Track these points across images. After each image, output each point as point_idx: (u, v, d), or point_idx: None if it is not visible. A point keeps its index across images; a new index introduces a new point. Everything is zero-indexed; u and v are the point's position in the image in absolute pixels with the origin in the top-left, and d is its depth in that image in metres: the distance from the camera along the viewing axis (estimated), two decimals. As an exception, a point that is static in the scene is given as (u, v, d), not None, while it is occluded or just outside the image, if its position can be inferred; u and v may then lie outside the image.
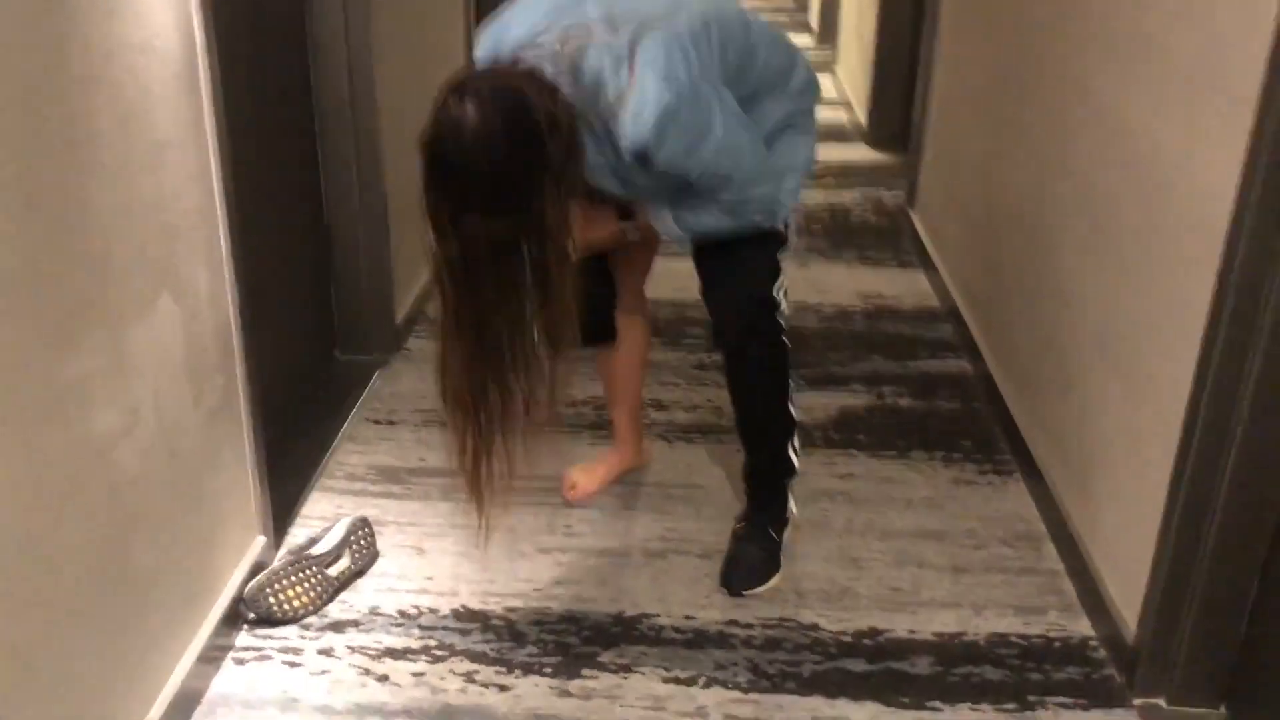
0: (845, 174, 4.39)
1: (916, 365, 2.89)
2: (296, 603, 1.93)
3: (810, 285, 3.35)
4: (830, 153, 4.65)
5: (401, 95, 2.81)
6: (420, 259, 3.06)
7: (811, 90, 1.99)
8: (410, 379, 2.76)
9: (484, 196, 1.52)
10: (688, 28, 1.70)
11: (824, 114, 5.18)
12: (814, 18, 6.94)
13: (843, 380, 2.80)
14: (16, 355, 1.27)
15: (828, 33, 6.36)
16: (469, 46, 3.65)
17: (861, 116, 4.88)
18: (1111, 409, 1.97)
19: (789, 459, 2.11)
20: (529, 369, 1.64)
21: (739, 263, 1.95)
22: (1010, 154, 2.66)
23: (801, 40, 6.93)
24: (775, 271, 1.96)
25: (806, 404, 2.65)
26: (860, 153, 4.67)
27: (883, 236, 3.76)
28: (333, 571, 2.00)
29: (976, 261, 2.95)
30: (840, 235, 3.76)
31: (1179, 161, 1.72)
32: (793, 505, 2.16)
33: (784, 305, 1.98)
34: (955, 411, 2.66)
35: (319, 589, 1.97)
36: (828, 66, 6.14)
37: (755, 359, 2.01)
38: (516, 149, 1.52)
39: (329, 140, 2.63)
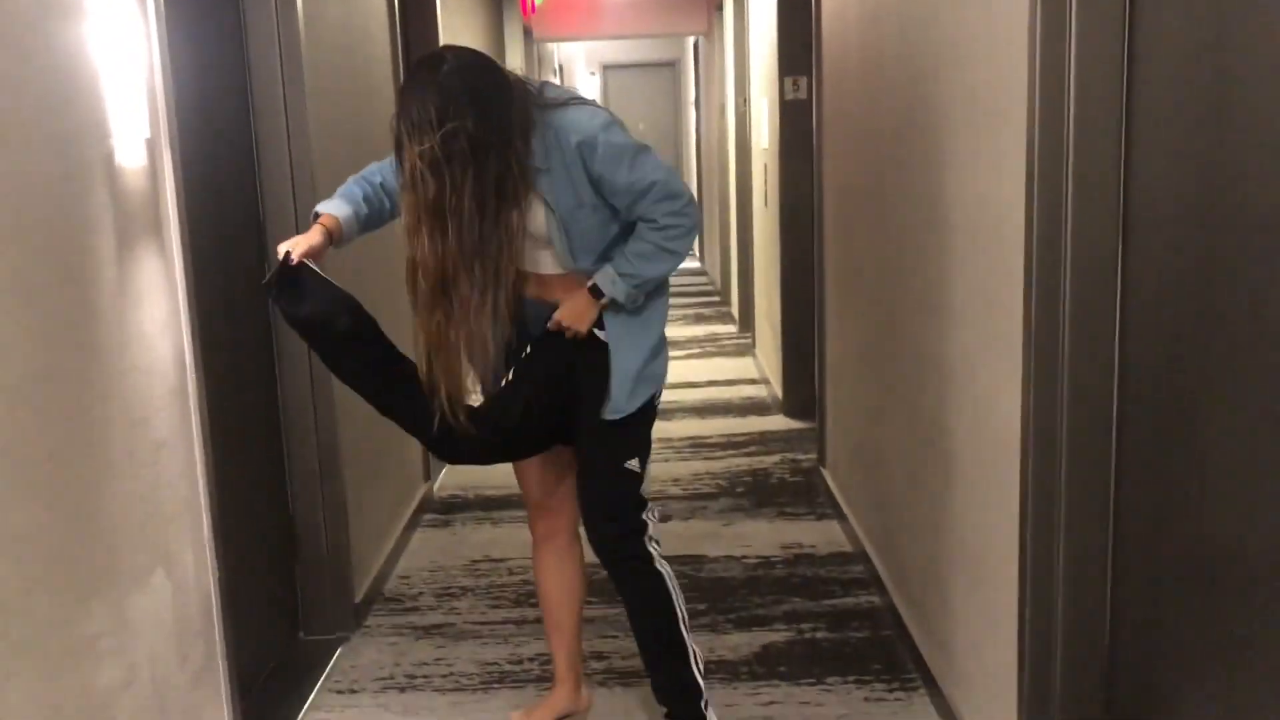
0: (765, 441, 4.83)
1: (831, 603, 3.19)
2: None
3: (735, 540, 3.68)
4: (753, 424, 5.11)
5: (355, 401, 3.21)
6: (377, 545, 3.39)
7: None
8: (370, 652, 3.01)
9: (470, 98, 2.01)
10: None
11: (746, 391, 5.70)
12: (734, 309, 7.64)
13: (765, 620, 3.09)
14: (38, 612, 1.57)
15: (746, 321, 7.02)
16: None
17: (778, 390, 5.38)
18: (971, 615, 2.29)
19: (691, 673, 2.35)
20: (490, 258, 2.07)
21: (609, 498, 2.30)
22: (888, 409, 3.09)
23: (725, 329, 7.60)
24: (641, 505, 2.32)
25: (733, 643, 2.94)
26: (778, 422, 5.13)
27: (799, 493, 4.15)
28: None
29: (874, 506, 3.32)
30: (762, 494, 4.14)
31: (984, 398, 2.15)
32: None
33: (651, 524, 2.32)
34: (866, 640, 2.95)
35: None
36: (748, 350, 6.75)
37: (626, 583, 2.35)
38: (492, 73, 2.09)
39: (294, 442, 3.01)
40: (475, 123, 2.01)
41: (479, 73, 2.08)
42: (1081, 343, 1.83)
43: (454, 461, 2.56)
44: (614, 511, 2.31)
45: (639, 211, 2.17)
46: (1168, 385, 1.68)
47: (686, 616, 2.36)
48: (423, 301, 2.11)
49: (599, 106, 2.24)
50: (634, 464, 2.31)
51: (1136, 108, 1.73)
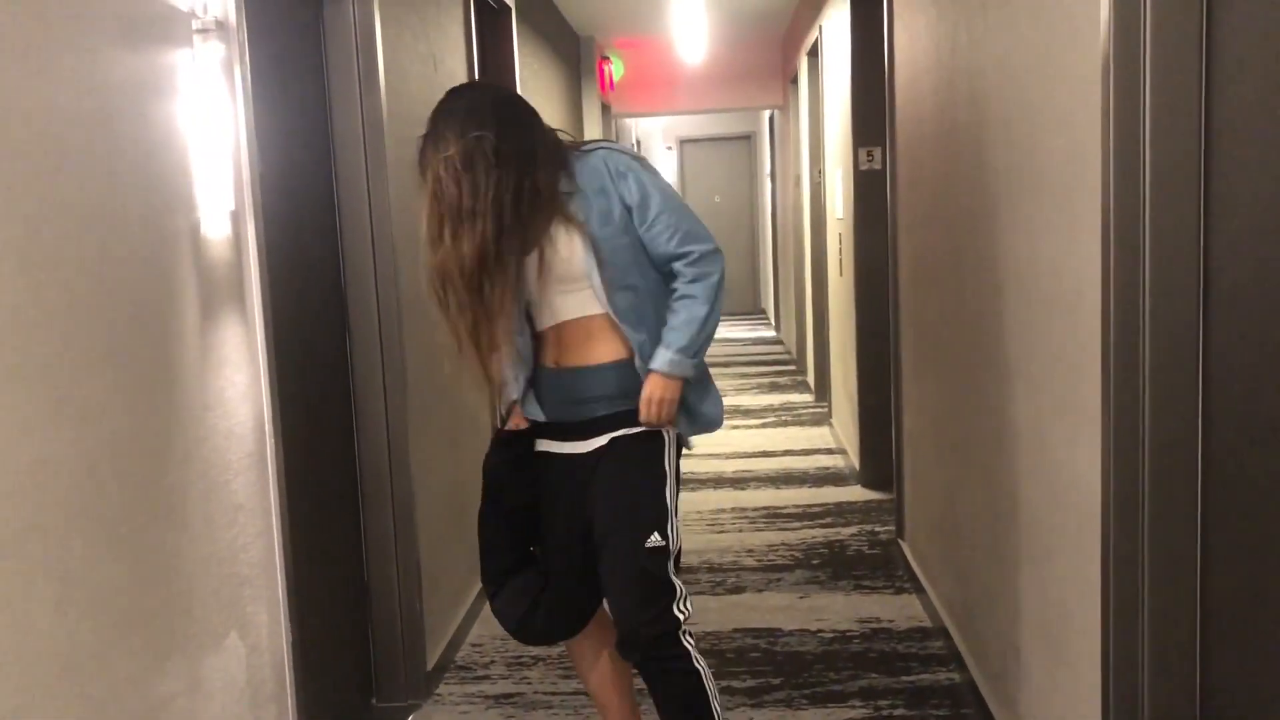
0: (842, 513, 4.76)
1: (909, 679, 3.11)
2: None
3: (811, 613, 3.62)
4: (829, 495, 5.04)
5: (431, 470, 3.26)
6: (450, 612, 3.40)
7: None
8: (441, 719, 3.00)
9: (494, 115, 2.12)
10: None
11: (823, 461, 5.63)
12: (810, 378, 7.58)
13: (842, 696, 3.02)
14: (116, 672, 1.60)
15: (822, 391, 6.96)
16: (494, 424, 4.17)
17: (855, 460, 5.31)
18: (1054, 695, 2.21)
19: None
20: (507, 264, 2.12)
21: (641, 589, 2.18)
22: (965, 479, 3.03)
23: (801, 398, 7.55)
24: (673, 592, 2.19)
25: None
26: (855, 493, 5.05)
27: (877, 566, 4.06)
28: None
29: (953, 579, 3.24)
30: (839, 567, 4.07)
31: (1063, 469, 2.10)
32: None
33: (685, 616, 2.18)
34: (945, 718, 2.86)
35: None
36: (824, 420, 6.69)
37: (659, 680, 2.20)
38: (517, 105, 2.22)
39: (370, 508, 3.05)
40: (498, 136, 2.11)
41: (505, 100, 2.22)
42: (1162, 410, 1.78)
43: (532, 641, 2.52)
44: (646, 605, 2.17)
45: (669, 249, 2.20)
46: (1253, 456, 1.62)
47: (721, 714, 2.23)
48: (455, 306, 2.14)
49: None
50: (656, 539, 2.19)
51: (1214, 171, 1.70)
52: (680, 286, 2.21)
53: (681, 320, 2.18)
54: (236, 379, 2.02)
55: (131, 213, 1.69)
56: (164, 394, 1.76)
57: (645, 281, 2.22)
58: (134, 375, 1.68)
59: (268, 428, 2.15)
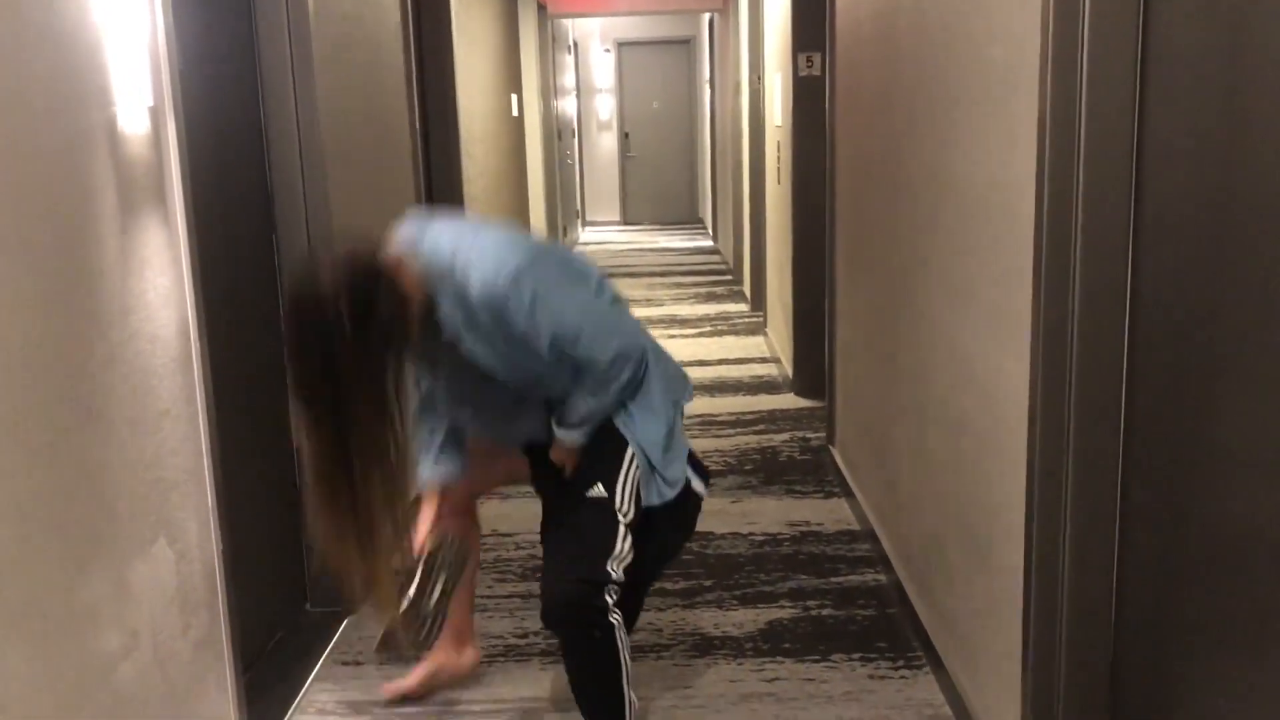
0: (774, 419, 4.82)
1: (837, 580, 3.18)
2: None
3: (742, 517, 3.68)
4: (763, 403, 5.10)
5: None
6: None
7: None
8: (376, 625, 3.01)
9: (330, 340, 1.77)
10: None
11: (757, 369, 5.68)
12: (746, 288, 7.60)
13: (771, 597, 3.09)
14: (37, 578, 1.57)
15: (758, 300, 6.99)
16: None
17: (789, 369, 5.36)
18: (976, 595, 2.28)
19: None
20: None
21: (574, 540, 2.09)
22: (896, 387, 3.08)
23: (737, 307, 7.58)
24: (608, 550, 2.05)
25: (738, 619, 2.94)
26: (788, 401, 5.11)
27: (808, 471, 4.13)
28: (435, 597, 2.12)
29: (881, 484, 3.31)
30: (771, 472, 4.13)
31: (992, 377, 2.13)
32: None
33: (615, 577, 2.05)
34: (872, 617, 2.94)
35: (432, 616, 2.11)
36: (760, 329, 6.73)
37: (575, 644, 2.11)
38: (355, 310, 1.77)
39: (301, 413, 3.01)
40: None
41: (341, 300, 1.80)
42: (1090, 322, 1.81)
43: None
44: (574, 564, 2.06)
45: (572, 358, 2.04)
46: (1177, 367, 1.66)
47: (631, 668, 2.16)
48: None
49: (504, 249, 1.97)
50: (598, 490, 2.10)
51: (1150, 85, 1.70)
52: (586, 383, 2.12)
53: (571, 407, 2.14)
54: (159, 281, 1.96)
55: (43, 105, 1.61)
56: (82, 296, 1.71)
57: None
58: (49, 276, 1.62)
59: (192, 331, 2.10)
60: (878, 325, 3.31)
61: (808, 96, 4.79)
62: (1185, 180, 1.62)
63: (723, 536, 3.52)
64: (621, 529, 2.08)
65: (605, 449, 2.14)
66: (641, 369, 2.13)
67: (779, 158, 5.63)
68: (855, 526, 3.57)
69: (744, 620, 2.94)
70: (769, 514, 3.72)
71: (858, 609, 3.00)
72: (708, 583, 3.18)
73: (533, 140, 8.63)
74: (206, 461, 2.14)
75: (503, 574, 3.31)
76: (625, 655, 2.11)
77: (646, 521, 2.17)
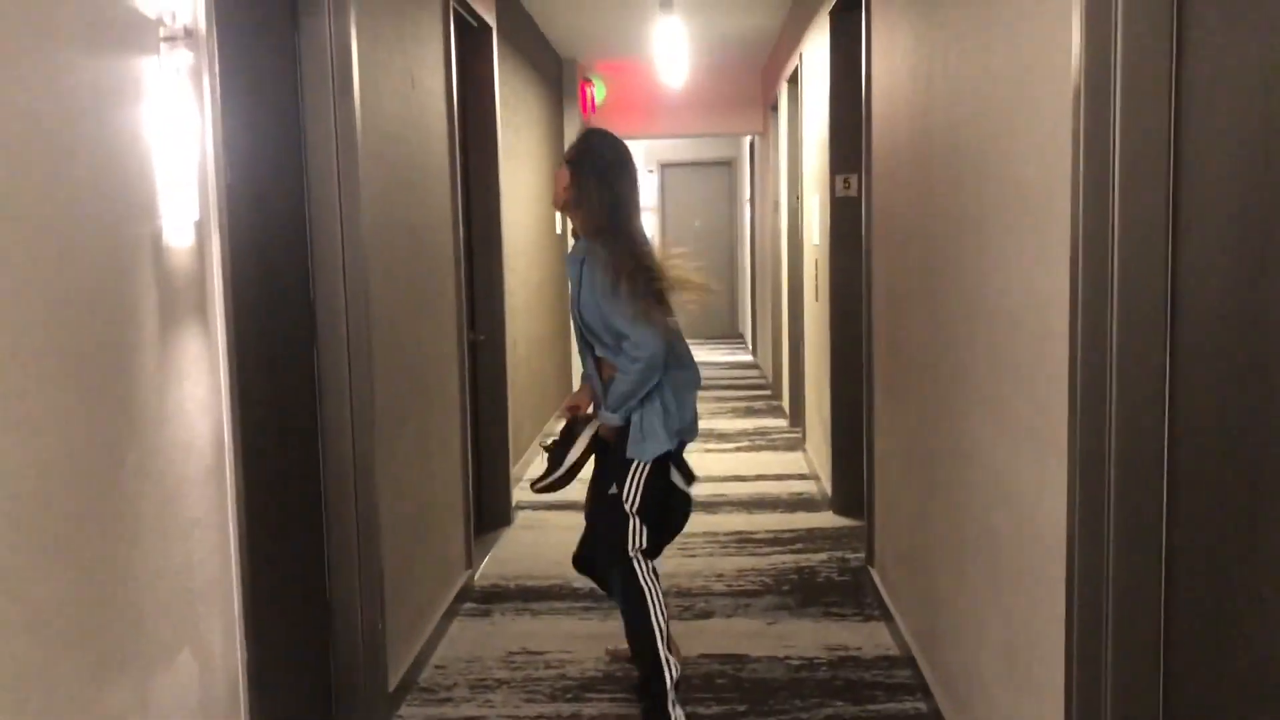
0: (813, 538, 4.74)
1: (875, 708, 3.08)
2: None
3: (778, 640, 3.59)
4: (801, 521, 5.03)
5: (398, 487, 3.22)
6: (414, 632, 3.35)
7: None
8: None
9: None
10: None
11: (795, 486, 5.62)
12: (785, 403, 7.58)
13: (806, 725, 2.99)
14: (58, 689, 1.56)
15: (797, 416, 6.95)
16: (465, 464, 4.15)
17: (828, 486, 5.30)
18: (1024, 722, 2.20)
19: (659, 664, 2.96)
20: None
21: (604, 524, 3.13)
22: (934, 508, 3.02)
23: (775, 422, 7.54)
24: (623, 529, 3.04)
25: (770, 747, 2.84)
26: (827, 519, 5.04)
27: (846, 593, 4.05)
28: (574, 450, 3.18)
29: (921, 608, 3.22)
30: (808, 593, 4.05)
31: (1029, 497, 2.09)
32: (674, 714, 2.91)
33: (637, 541, 3.03)
34: (911, 748, 2.84)
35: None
36: (798, 445, 6.67)
37: (617, 580, 3.09)
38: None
39: (334, 523, 3.01)
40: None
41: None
42: (1128, 440, 1.77)
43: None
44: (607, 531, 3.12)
45: (606, 337, 3.04)
46: (1218, 486, 1.62)
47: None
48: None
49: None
50: (614, 489, 3.06)
51: (1183, 206, 1.70)
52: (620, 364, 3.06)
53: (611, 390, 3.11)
54: (196, 392, 1.98)
55: (90, 219, 1.66)
56: (119, 405, 1.73)
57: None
58: (88, 384, 1.64)
59: (227, 441, 2.11)
60: (916, 443, 3.27)
61: (845, 216, 4.84)
62: (1221, 302, 1.61)
63: (758, 660, 3.44)
64: (630, 517, 3.06)
65: (622, 463, 3.07)
66: (658, 372, 2.99)
67: (817, 275, 5.66)
68: (894, 651, 3.47)
69: (778, 747, 2.84)
70: (806, 637, 3.63)
71: (896, 738, 2.89)
72: (741, 708, 3.09)
73: (575, 257, 8.73)
74: (235, 571, 2.13)
75: (531, 694, 3.24)
76: (646, 581, 3.04)
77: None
